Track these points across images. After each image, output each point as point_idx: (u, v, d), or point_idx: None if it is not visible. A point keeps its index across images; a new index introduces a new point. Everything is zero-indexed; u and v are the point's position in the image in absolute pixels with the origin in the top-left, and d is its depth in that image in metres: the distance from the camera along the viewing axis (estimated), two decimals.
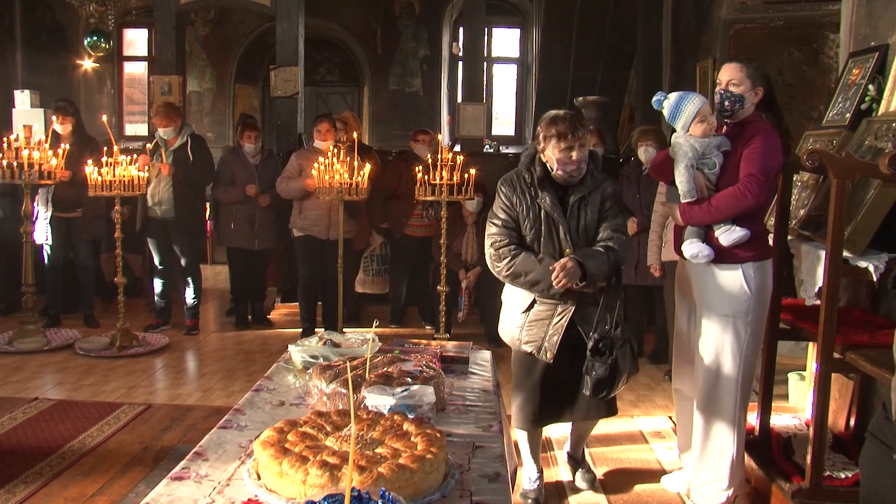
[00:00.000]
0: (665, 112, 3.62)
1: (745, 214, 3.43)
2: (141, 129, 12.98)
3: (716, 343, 3.55)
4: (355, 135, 6.06)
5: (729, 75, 3.48)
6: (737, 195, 3.40)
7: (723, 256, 3.51)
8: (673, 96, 3.60)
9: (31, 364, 6.05)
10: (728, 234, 3.44)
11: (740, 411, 3.58)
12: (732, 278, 3.50)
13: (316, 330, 6.40)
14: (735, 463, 3.59)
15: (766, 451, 3.79)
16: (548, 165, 3.52)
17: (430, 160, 5.23)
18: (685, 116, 3.53)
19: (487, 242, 3.61)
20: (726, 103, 3.47)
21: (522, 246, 3.56)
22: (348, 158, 5.71)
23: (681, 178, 3.53)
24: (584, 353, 3.51)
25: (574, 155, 3.44)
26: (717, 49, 6.89)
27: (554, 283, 3.39)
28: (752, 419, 4.01)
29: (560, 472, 4.13)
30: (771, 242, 3.74)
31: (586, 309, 3.53)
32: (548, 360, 3.53)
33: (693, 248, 3.54)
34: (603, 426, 4.87)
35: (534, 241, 3.54)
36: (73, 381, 5.64)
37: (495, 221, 3.60)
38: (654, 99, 3.68)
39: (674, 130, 3.66)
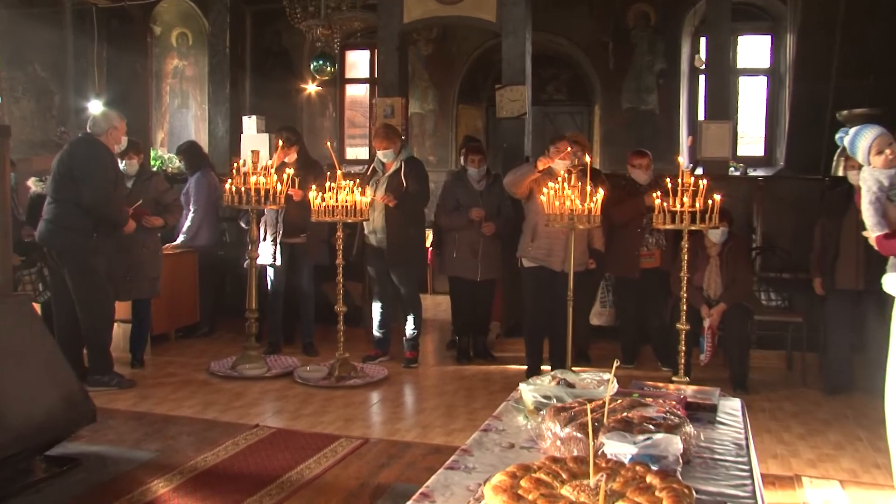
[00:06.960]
0: (848, 148, 3.90)
1: None
2: (362, 153, 13.65)
3: None
4: (587, 158, 6.01)
5: None
6: None
7: None
8: (850, 132, 3.86)
9: (253, 390, 6.49)
10: None
11: None
12: None
13: (542, 368, 6.39)
14: None
15: None
16: None
17: (668, 185, 5.08)
18: (861, 151, 3.79)
19: None
20: None
21: None
22: (579, 183, 5.68)
23: (866, 212, 3.82)
24: None
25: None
26: None
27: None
28: None
29: None
30: None
31: None
32: None
33: (889, 282, 3.78)
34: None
35: None
36: (292, 410, 5.98)
37: None
38: (837, 136, 3.99)
39: None
